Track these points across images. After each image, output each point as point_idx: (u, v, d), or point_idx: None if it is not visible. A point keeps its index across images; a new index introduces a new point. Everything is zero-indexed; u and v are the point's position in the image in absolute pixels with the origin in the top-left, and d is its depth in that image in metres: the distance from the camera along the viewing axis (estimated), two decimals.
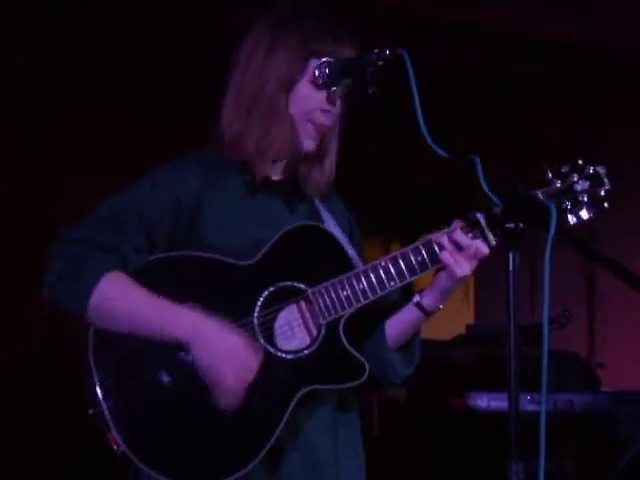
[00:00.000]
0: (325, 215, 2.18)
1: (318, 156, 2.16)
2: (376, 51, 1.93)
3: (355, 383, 2.03)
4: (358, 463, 2.16)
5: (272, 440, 1.96)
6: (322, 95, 2.08)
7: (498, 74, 5.89)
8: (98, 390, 1.96)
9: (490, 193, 1.77)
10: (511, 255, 1.73)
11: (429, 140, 1.77)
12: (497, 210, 1.98)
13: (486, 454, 3.66)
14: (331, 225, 2.15)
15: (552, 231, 1.70)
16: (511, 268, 1.72)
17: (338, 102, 2.09)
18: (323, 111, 2.08)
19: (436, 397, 4.19)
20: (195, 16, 5.10)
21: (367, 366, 2.03)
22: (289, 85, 2.08)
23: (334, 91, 2.05)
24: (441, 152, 1.78)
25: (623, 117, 5.58)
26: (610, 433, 3.98)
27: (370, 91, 1.93)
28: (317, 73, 2.03)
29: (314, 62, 2.06)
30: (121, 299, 2.00)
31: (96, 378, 1.96)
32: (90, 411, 1.96)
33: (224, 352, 1.95)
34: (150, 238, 2.06)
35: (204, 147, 2.16)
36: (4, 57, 5.45)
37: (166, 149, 2.14)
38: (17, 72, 5.68)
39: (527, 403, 3.50)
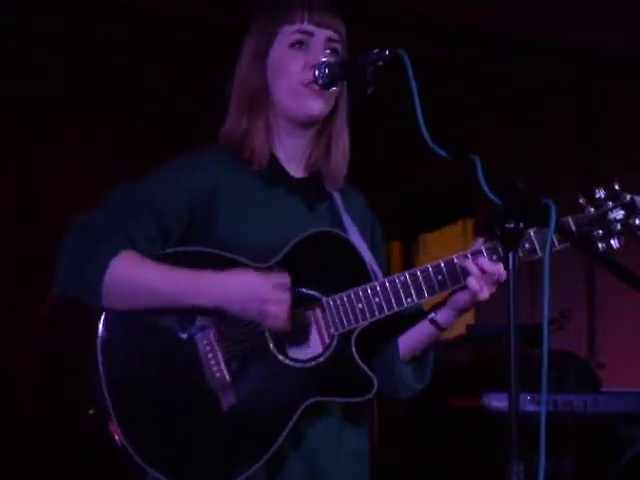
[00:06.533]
0: (346, 218, 2.11)
1: (327, 148, 2.11)
2: (376, 51, 1.90)
3: (361, 399, 1.99)
4: (361, 472, 2.12)
5: (274, 447, 1.92)
6: (301, 52, 2.04)
7: (498, 74, 5.89)
8: (102, 381, 1.91)
9: (490, 193, 1.77)
10: (511, 255, 1.73)
11: (429, 140, 1.76)
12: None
13: (489, 454, 3.66)
14: (351, 229, 2.09)
15: (551, 230, 1.69)
16: (511, 268, 1.72)
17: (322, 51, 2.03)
18: (311, 67, 2.01)
19: (436, 397, 4.19)
20: (195, 17, 5.11)
21: (375, 382, 1.98)
22: (261, 55, 2.05)
23: (314, 42, 2.01)
24: (441, 152, 1.77)
25: (623, 117, 5.58)
26: (610, 433, 3.98)
27: (370, 91, 1.92)
28: (317, 73, 2.01)
29: (286, 28, 2.04)
30: (137, 274, 1.93)
31: (101, 370, 1.91)
32: (91, 411, 1.94)
33: (249, 292, 1.91)
34: (162, 230, 1.99)
35: (218, 143, 2.10)
36: (4, 57, 5.45)
37: (166, 149, 2.12)
38: (17, 72, 5.68)
39: (527, 403, 3.50)
